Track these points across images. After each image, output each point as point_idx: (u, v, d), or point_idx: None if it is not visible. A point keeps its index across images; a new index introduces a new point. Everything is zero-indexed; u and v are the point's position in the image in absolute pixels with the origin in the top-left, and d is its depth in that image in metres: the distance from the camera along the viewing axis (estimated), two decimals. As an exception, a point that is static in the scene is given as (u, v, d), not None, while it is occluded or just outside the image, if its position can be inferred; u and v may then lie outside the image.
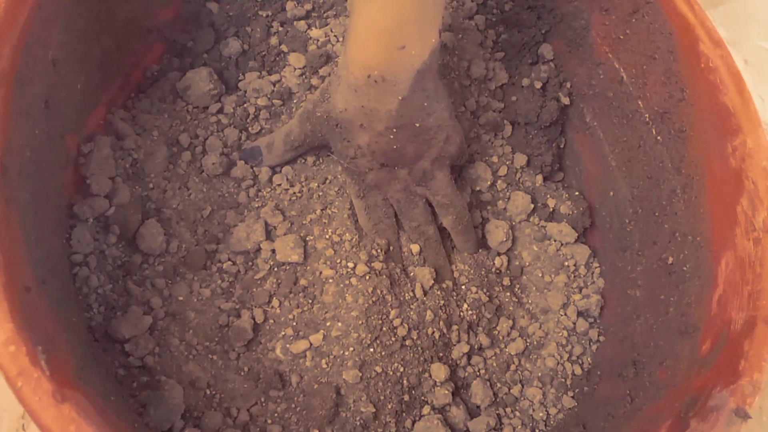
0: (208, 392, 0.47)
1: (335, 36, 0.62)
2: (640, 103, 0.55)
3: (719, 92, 0.47)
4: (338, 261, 0.53)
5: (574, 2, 0.58)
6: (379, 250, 0.54)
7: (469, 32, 0.59)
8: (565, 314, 0.59)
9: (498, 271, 0.59)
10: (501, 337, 0.57)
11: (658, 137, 0.53)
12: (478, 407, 0.54)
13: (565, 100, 0.61)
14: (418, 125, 0.49)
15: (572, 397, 0.56)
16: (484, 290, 0.57)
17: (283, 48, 0.62)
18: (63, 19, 0.47)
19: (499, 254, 0.60)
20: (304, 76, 0.60)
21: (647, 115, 0.54)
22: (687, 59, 0.49)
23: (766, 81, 0.78)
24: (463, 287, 0.57)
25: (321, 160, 0.57)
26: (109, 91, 0.55)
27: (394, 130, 0.49)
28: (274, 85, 0.60)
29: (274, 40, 0.62)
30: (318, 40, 0.61)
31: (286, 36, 0.62)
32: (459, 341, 0.54)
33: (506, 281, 0.59)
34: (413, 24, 0.44)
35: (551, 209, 0.62)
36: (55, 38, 0.46)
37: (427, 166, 0.53)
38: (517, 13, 0.59)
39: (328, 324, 0.51)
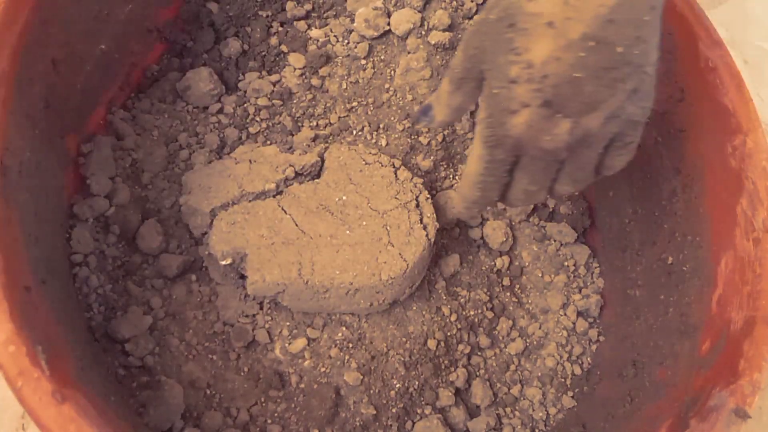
0: (208, 392, 0.47)
1: (335, 36, 0.62)
2: (639, 103, 0.55)
3: (719, 92, 0.47)
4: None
5: (574, 2, 0.58)
6: None
7: (468, 32, 0.60)
8: (565, 314, 0.59)
9: (498, 271, 0.59)
10: (501, 337, 0.57)
11: (658, 137, 0.53)
12: (477, 407, 0.54)
13: (565, 100, 0.61)
14: (620, 50, 0.36)
15: (572, 397, 0.56)
16: (484, 290, 0.57)
17: (283, 48, 0.62)
18: (63, 19, 0.47)
19: (499, 254, 0.60)
20: (304, 76, 0.61)
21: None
22: (687, 59, 0.50)
23: (765, 81, 0.78)
24: (463, 287, 0.57)
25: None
26: (109, 91, 0.55)
27: (591, 44, 0.35)
28: (274, 85, 0.60)
29: (274, 41, 0.62)
30: (318, 40, 0.62)
31: (286, 36, 0.62)
32: (459, 341, 0.54)
33: (506, 281, 0.59)
34: None
35: (551, 209, 0.62)
36: (55, 38, 0.46)
37: (596, 126, 0.39)
38: (517, 13, 0.59)
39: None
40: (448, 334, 0.54)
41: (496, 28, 0.38)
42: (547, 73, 0.37)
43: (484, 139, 0.41)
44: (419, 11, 0.59)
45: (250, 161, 0.53)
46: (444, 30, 0.59)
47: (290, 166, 0.53)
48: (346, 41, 0.61)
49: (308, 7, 0.63)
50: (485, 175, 0.43)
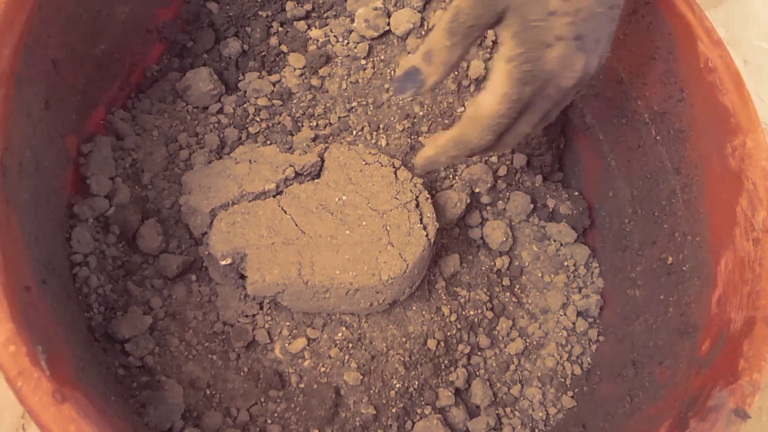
0: (208, 392, 0.47)
1: (335, 36, 0.62)
2: (639, 103, 0.55)
3: (719, 92, 0.47)
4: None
5: (574, 2, 0.58)
6: None
7: (468, 32, 0.60)
8: (565, 314, 0.59)
9: (498, 271, 0.59)
10: (501, 337, 0.57)
11: (658, 137, 0.53)
12: (477, 407, 0.54)
13: (565, 100, 0.61)
14: None
15: (572, 397, 0.56)
16: (484, 290, 0.57)
17: (283, 48, 0.62)
18: (63, 19, 0.47)
19: (499, 254, 0.60)
20: (303, 77, 0.61)
21: (647, 115, 0.54)
22: (686, 59, 0.50)
23: (765, 81, 0.78)
24: (463, 287, 0.57)
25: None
26: (109, 91, 0.55)
27: None
28: (274, 86, 0.60)
29: (273, 41, 0.62)
30: (318, 41, 0.62)
31: (285, 36, 0.62)
32: (459, 341, 0.54)
33: (506, 281, 0.59)
34: None
35: (551, 209, 0.62)
36: (55, 38, 0.46)
37: (597, 64, 0.43)
38: (517, 13, 0.59)
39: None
40: (448, 334, 0.54)
41: None
42: (580, 7, 0.38)
43: (519, 76, 0.41)
44: (419, 11, 0.59)
45: (250, 161, 0.53)
46: (444, 30, 0.59)
47: (290, 166, 0.53)
48: (346, 41, 0.61)
49: (308, 7, 0.63)
50: (505, 116, 0.42)
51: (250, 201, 0.52)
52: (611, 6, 0.40)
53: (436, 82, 0.43)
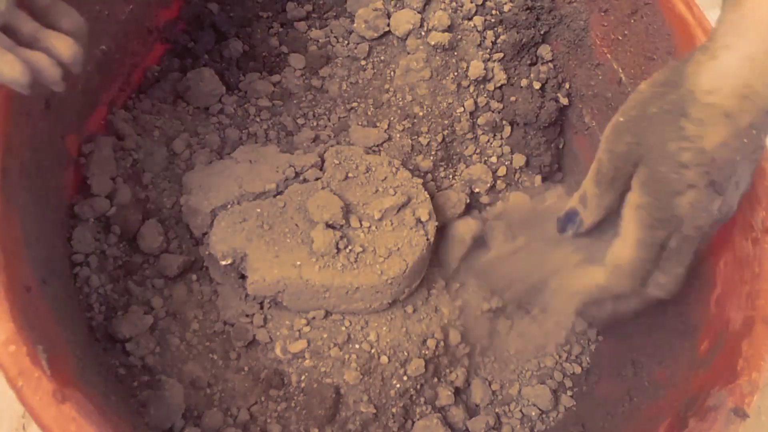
0: (208, 391, 0.47)
1: (335, 37, 0.62)
2: (639, 103, 0.55)
3: (718, 93, 0.47)
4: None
5: (573, 3, 0.58)
6: None
7: (468, 33, 0.60)
8: (565, 314, 0.59)
9: (497, 271, 0.59)
10: (500, 337, 0.57)
11: (657, 137, 0.53)
12: (477, 406, 0.54)
13: (564, 101, 0.61)
14: (761, 135, 0.40)
15: (571, 396, 0.56)
16: (484, 290, 0.57)
17: (284, 49, 0.62)
18: (63, 19, 0.47)
19: (498, 254, 0.60)
20: (304, 77, 0.61)
21: (646, 116, 0.54)
22: (686, 60, 0.50)
23: (765, 81, 0.78)
24: (462, 287, 0.57)
25: None
26: (110, 91, 0.55)
27: (753, 132, 0.39)
28: (275, 86, 0.60)
29: (274, 41, 0.62)
30: (318, 41, 0.62)
31: (286, 37, 0.62)
32: (459, 341, 0.55)
33: (506, 281, 0.59)
34: None
35: (550, 209, 0.62)
36: (55, 39, 0.46)
37: (736, 202, 0.42)
38: (516, 14, 0.59)
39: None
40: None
41: (662, 119, 0.40)
42: (715, 157, 0.39)
43: (650, 222, 0.42)
44: (419, 12, 0.59)
45: (251, 161, 0.53)
46: (443, 31, 0.59)
47: (290, 166, 0.53)
48: (346, 42, 0.61)
49: (308, 8, 0.63)
50: (645, 260, 0.43)
51: (250, 201, 0.52)
52: (753, 150, 0.40)
53: (593, 223, 0.46)
